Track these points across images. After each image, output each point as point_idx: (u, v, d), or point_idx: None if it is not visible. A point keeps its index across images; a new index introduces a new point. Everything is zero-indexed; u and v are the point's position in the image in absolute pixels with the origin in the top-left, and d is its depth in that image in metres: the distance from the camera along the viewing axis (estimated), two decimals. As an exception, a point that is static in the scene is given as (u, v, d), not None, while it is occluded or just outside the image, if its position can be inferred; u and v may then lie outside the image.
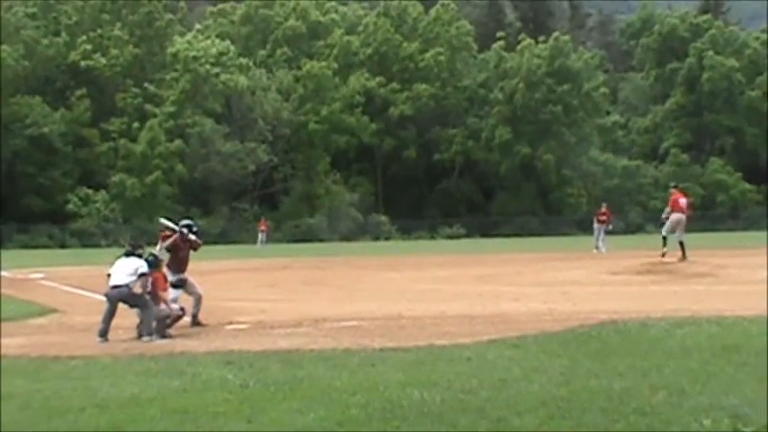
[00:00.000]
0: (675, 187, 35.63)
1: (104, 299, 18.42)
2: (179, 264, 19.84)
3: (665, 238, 33.76)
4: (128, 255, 18.62)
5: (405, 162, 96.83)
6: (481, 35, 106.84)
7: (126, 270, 18.17)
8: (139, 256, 18.75)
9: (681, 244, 32.97)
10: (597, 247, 48.40)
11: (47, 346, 16.75)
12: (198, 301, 19.93)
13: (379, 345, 15.40)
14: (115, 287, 18.07)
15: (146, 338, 17.69)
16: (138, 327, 18.19)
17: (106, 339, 17.64)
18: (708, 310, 18.99)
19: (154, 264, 18.70)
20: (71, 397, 11.47)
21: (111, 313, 18.00)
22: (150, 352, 15.57)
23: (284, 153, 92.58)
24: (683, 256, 32.77)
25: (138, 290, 18.20)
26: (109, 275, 18.37)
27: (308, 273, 38.20)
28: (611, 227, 50.66)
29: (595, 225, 50.74)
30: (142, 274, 18.28)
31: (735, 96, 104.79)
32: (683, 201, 33.78)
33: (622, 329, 16.10)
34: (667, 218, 34.01)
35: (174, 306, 18.79)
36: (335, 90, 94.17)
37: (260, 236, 72.72)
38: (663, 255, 33.29)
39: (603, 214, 50.15)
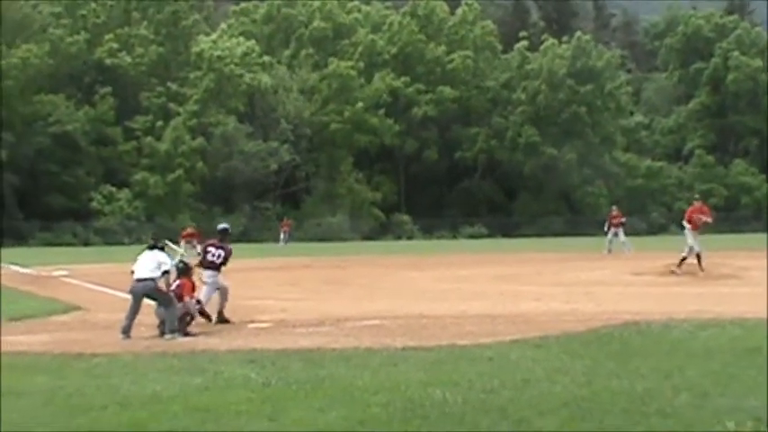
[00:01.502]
0: (698, 200, 35.01)
1: (128, 295, 18.50)
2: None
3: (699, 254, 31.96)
4: (150, 248, 18.70)
5: (427, 162, 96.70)
6: (505, 35, 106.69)
7: (149, 265, 18.22)
8: (161, 248, 18.87)
9: (697, 255, 32.13)
10: (609, 250, 48.18)
11: (70, 343, 16.82)
12: (223, 295, 20.06)
13: (400, 344, 15.40)
14: (140, 280, 18.13)
15: (168, 336, 17.74)
16: (159, 325, 18.23)
17: (129, 336, 17.72)
18: (731, 312, 18.92)
19: (183, 271, 19.01)
20: (93, 394, 11.51)
21: (135, 310, 18.07)
22: (172, 350, 15.61)
23: (307, 152, 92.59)
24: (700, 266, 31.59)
25: (162, 285, 18.28)
26: (133, 272, 18.41)
27: (329, 272, 38.23)
28: (620, 230, 50.15)
29: (606, 227, 50.57)
30: (165, 272, 18.36)
31: (759, 97, 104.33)
32: (696, 216, 32.93)
33: (645, 330, 16.06)
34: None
35: (192, 301, 18.83)
36: (360, 90, 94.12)
37: (282, 235, 72.87)
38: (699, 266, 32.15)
39: (615, 217, 49.89)
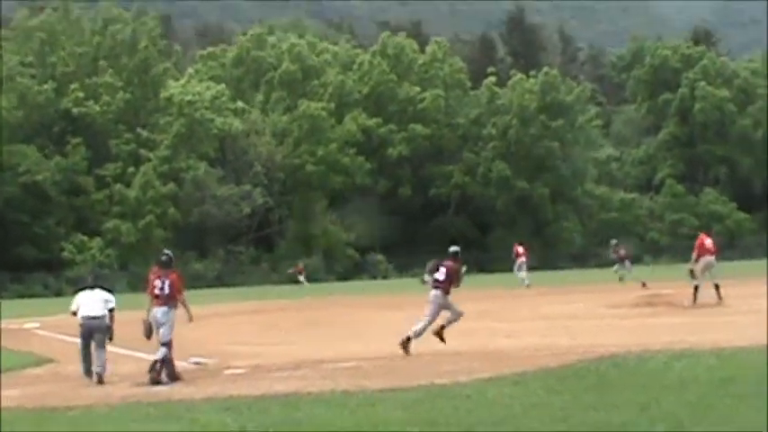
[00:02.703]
0: (703, 231, 34.86)
1: (80, 330, 18.94)
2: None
3: (697, 287, 31.54)
4: (91, 288, 19.36)
5: (400, 200, 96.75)
6: (473, 71, 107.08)
7: (97, 303, 18.87)
8: (101, 287, 19.46)
9: (716, 286, 31.52)
10: (621, 278, 49.07)
11: (44, 396, 16.72)
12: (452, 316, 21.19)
13: (378, 385, 15.37)
14: (92, 318, 18.66)
15: (96, 378, 18.37)
16: (150, 370, 18.18)
17: (90, 376, 18.36)
18: (706, 341, 19.00)
19: (168, 263, 19.33)
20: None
21: (87, 347, 18.63)
22: (148, 399, 15.53)
23: (280, 195, 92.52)
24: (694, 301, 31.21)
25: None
26: (74, 313, 19.03)
27: (305, 314, 38.17)
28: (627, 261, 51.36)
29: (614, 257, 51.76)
30: (111, 309, 19.07)
31: (727, 126, 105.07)
32: (708, 242, 32.81)
33: (621, 363, 16.10)
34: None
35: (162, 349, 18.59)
36: (331, 130, 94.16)
37: (301, 278, 72.19)
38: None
39: (616, 251, 51.08)
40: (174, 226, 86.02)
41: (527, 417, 11.62)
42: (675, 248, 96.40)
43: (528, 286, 50.63)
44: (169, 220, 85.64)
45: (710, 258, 31.85)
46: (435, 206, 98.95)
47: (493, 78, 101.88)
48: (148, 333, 19.02)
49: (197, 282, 71.77)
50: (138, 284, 77.59)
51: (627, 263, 50.12)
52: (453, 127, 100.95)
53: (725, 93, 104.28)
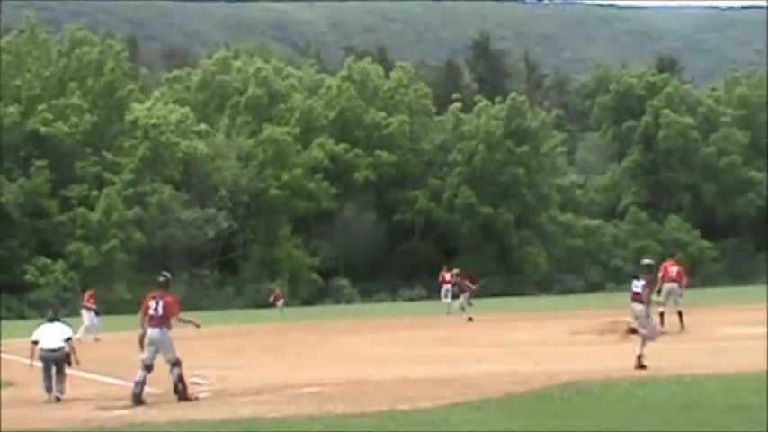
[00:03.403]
0: (671, 256, 34.71)
1: (41, 362, 19.84)
2: None
3: (662, 313, 31.48)
4: (51, 320, 20.54)
5: (365, 225, 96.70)
6: (438, 97, 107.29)
7: (57, 335, 19.97)
8: (59, 320, 20.61)
9: (679, 314, 31.64)
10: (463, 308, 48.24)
11: (5, 419, 16.57)
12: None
13: (341, 410, 15.37)
14: (53, 350, 19.72)
15: (59, 393, 19.50)
16: (174, 391, 18.78)
17: (51, 394, 19.37)
18: (667, 368, 19.10)
19: (165, 284, 19.98)
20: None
21: (49, 371, 19.65)
22: (110, 423, 15.44)
23: (244, 219, 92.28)
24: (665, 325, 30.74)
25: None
26: (35, 342, 20.12)
27: (269, 338, 38.08)
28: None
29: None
30: (68, 339, 20.18)
31: (690, 153, 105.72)
32: (674, 269, 32.77)
33: (584, 390, 16.15)
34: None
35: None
36: (297, 155, 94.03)
37: (278, 303, 70.95)
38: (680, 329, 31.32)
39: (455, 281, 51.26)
40: (138, 250, 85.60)
41: (490, 443, 11.64)
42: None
43: (463, 310, 50.15)
44: (134, 244, 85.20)
45: (673, 285, 31.84)
46: (400, 231, 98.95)
47: (458, 104, 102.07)
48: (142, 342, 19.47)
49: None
50: (100, 307, 77.55)
51: (468, 293, 49.30)
52: (418, 152, 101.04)
53: (689, 120, 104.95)
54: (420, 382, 19.56)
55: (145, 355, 19.13)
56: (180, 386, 18.74)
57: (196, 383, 20.34)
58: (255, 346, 34.18)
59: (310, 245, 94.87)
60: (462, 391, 17.34)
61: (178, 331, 20.14)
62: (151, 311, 19.29)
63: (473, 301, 50.62)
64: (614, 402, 14.65)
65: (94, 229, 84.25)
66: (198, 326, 20.29)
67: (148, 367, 18.91)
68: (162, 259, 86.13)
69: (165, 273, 20.81)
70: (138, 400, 18.46)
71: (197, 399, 18.57)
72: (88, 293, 44.71)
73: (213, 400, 18.49)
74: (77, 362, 20.37)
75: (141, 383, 18.67)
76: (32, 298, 79.76)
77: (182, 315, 19.93)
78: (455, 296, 51.22)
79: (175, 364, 18.91)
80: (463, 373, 21.03)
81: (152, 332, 19.13)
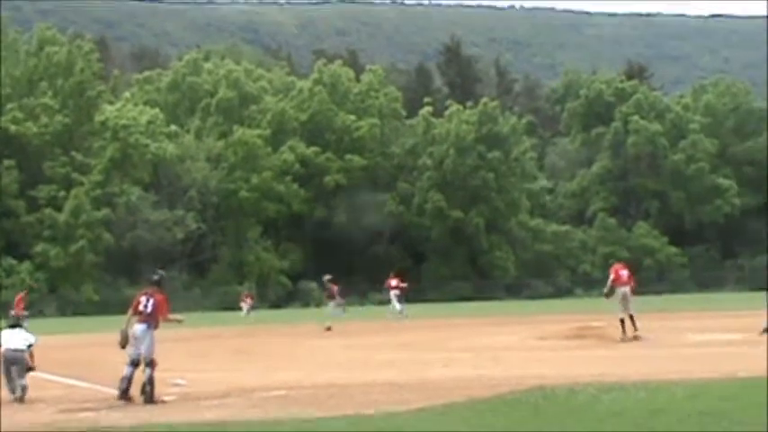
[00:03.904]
0: (618, 261, 34.44)
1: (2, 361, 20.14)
2: None
3: (622, 320, 31.17)
4: (12, 327, 21.01)
5: (334, 228, 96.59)
6: (409, 100, 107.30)
7: (19, 339, 20.31)
8: (21, 326, 21.09)
9: (631, 317, 31.09)
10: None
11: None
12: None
13: (308, 414, 15.31)
14: (15, 350, 20.04)
15: (20, 394, 19.71)
16: (141, 392, 18.66)
17: (15, 394, 19.62)
18: (635, 374, 19.12)
19: (158, 283, 20.25)
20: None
21: (9, 372, 20.00)
22: (73, 425, 15.33)
23: (213, 221, 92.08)
24: (627, 331, 30.75)
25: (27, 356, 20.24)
26: None
27: (236, 341, 37.97)
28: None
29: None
30: (30, 345, 20.40)
31: (659, 160, 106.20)
32: (624, 272, 32.65)
33: (550, 395, 16.13)
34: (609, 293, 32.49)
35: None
36: (267, 158, 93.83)
37: (244, 306, 69.63)
38: (634, 334, 30.88)
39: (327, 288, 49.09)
40: (106, 251, 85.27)
41: (456, 448, 11.60)
42: (606, 281, 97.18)
43: (405, 317, 51.17)
44: (103, 245, 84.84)
45: (626, 289, 31.66)
46: (370, 235, 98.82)
47: (429, 108, 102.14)
48: (123, 343, 19.46)
49: (127, 308, 71.13)
50: (67, 308, 77.26)
51: (338, 299, 48.70)
52: (388, 156, 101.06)
53: (657, 127, 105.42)
54: (387, 386, 19.52)
55: (130, 350, 19.24)
56: (149, 387, 18.61)
57: (178, 385, 20.27)
58: (223, 349, 34.07)
59: (279, 248, 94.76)
60: (429, 395, 17.31)
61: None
62: (140, 307, 19.51)
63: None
64: (581, 408, 14.64)
65: (62, 229, 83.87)
66: (180, 321, 20.57)
67: (135, 363, 19.01)
68: (130, 261, 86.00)
69: (159, 271, 21.25)
70: (124, 396, 18.58)
71: (163, 402, 18.46)
72: (18, 297, 44.28)
73: (179, 403, 18.40)
74: (34, 368, 20.58)
75: (128, 379, 18.78)
76: (-1, 299, 79.24)
77: (168, 317, 20.08)
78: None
79: (150, 364, 18.84)
80: (431, 377, 21.02)
81: (137, 327, 19.27)
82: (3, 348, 20.18)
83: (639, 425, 12.85)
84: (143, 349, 19.09)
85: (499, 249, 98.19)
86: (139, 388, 18.67)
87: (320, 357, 29.10)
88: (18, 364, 19.98)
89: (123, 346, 19.41)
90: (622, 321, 30.73)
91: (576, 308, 47.63)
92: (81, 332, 41.08)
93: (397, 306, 54.02)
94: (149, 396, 18.55)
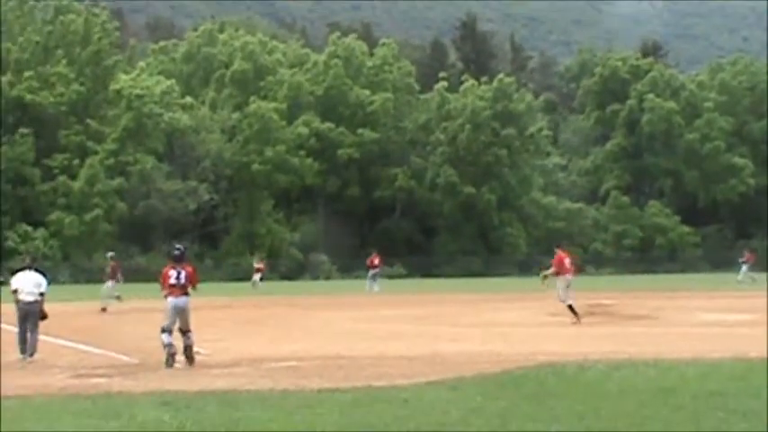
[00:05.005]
0: (559, 246, 33.63)
1: (18, 313, 20.89)
2: None
3: (570, 306, 30.16)
4: (28, 269, 21.35)
5: (346, 202, 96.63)
6: (424, 75, 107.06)
7: (32, 287, 20.78)
8: (37, 269, 21.40)
9: (569, 307, 30.10)
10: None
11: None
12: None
13: (317, 385, 15.35)
14: (28, 303, 20.61)
15: (28, 358, 20.25)
16: (184, 352, 19.49)
17: (25, 355, 20.26)
18: (645, 352, 19.12)
19: (179, 258, 20.38)
20: (4, 438, 11.31)
21: (24, 329, 20.55)
22: (86, 392, 15.40)
23: (226, 192, 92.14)
24: (576, 317, 29.65)
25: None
26: (15, 291, 20.89)
27: (247, 312, 38.07)
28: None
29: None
30: (42, 294, 20.90)
31: (674, 139, 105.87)
32: (567, 260, 32.06)
33: (560, 372, 16.15)
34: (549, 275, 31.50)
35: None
36: (281, 131, 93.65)
37: (255, 276, 66.49)
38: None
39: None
40: (118, 220, 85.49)
41: (464, 423, 11.63)
42: (618, 259, 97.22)
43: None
44: (116, 214, 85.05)
45: (570, 277, 31.06)
46: (381, 209, 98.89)
47: (444, 83, 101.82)
48: None
49: (140, 276, 71.33)
50: (80, 276, 77.41)
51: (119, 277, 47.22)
52: (401, 131, 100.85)
53: (672, 105, 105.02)
54: (397, 359, 19.57)
55: (166, 323, 19.78)
56: (189, 352, 19.60)
57: (197, 353, 20.42)
58: (233, 319, 34.17)
59: (291, 220, 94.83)
60: (438, 369, 17.36)
61: (154, 303, 20.26)
62: (172, 281, 19.93)
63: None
64: (590, 385, 14.65)
65: (77, 198, 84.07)
66: (194, 288, 20.54)
67: (170, 332, 19.71)
68: (142, 230, 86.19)
69: (178, 246, 21.39)
70: (173, 361, 19.38)
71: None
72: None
73: (189, 371, 18.50)
74: (47, 316, 21.19)
75: (172, 345, 19.51)
76: (13, 265, 79.42)
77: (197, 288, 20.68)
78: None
79: (189, 331, 19.75)
80: (440, 351, 21.05)
81: (177, 300, 19.83)
82: (18, 298, 20.84)
83: (649, 403, 12.86)
84: (183, 320, 19.86)
85: (510, 226, 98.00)
86: (183, 350, 19.59)
87: (330, 329, 29.17)
88: (32, 316, 20.56)
89: None
90: (570, 307, 29.93)
91: (587, 286, 47.55)
92: (94, 299, 41.10)
93: (375, 287, 55.35)
94: (192, 359, 19.50)
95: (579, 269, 32.75)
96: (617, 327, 28.25)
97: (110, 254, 45.20)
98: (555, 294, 30.75)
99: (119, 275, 41.52)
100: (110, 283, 40.87)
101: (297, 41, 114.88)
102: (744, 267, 61.23)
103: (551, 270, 31.12)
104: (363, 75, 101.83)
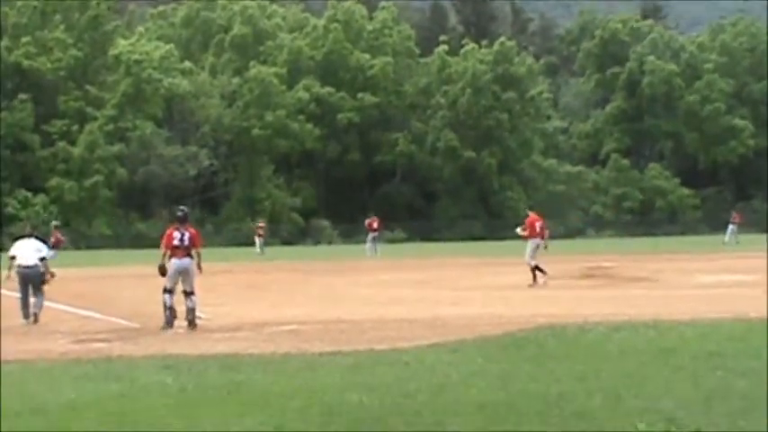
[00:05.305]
0: (532, 209, 33.64)
1: (18, 278, 21.34)
2: None
3: (533, 268, 30.38)
4: (28, 236, 21.79)
5: (347, 166, 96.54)
6: (424, 39, 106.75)
7: (32, 253, 21.06)
8: (37, 237, 21.92)
9: (533, 269, 30.26)
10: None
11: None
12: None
13: (318, 349, 15.40)
14: (28, 267, 20.92)
15: (37, 310, 20.86)
16: (186, 316, 19.63)
17: (28, 318, 20.66)
18: (645, 314, 19.16)
19: (183, 219, 20.48)
20: (7, 402, 11.33)
21: (26, 293, 20.88)
22: (87, 356, 15.45)
23: (226, 158, 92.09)
24: (534, 281, 29.93)
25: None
26: (13, 257, 21.33)
27: (248, 277, 38.16)
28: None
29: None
30: (43, 258, 21.22)
31: (674, 101, 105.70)
32: (538, 224, 32.03)
33: (560, 334, 16.20)
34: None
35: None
36: (281, 96, 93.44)
37: (258, 241, 66.06)
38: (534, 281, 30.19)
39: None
40: (118, 186, 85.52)
41: (465, 384, 11.67)
42: (618, 222, 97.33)
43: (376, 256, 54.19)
44: (116, 179, 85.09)
45: (539, 241, 31.10)
46: (381, 174, 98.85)
47: (445, 47, 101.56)
48: (163, 271, 20.16)
49: (140, 241, 71.41)
50: (80, 242, 77.48)
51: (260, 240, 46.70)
52: (401, 95, 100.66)
53: (673, 67, 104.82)
54: (398, 322, 19.62)
55: (169, 284, 19.94)
56: (191, 316, 19.69)
57: (199, 318, 20.47)
58: (234, 284, 34.25)
59: (292, 185, 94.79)
60: (439, 332, 17.42)
61: (155, 268, 20.29)
62: (176, 242, 20.09)
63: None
64: (590, 346, 14.71)
65: (76, 164, 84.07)
66: (199, 254, 20.58)
67: (172, 292, 19.90)
68: (142, 196, 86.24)
69: (182, 208, 21.47)
70: (171, 324, 19.67)
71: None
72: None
73: (191, 335, 18.57)
74: (52, 275, 22.28)
75: (173, 308, 19.75)
76: (13, 231, 79.48)
77: (200, 250, 20.79)
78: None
79: (192, 293, 19.82)
80: (441, 314, 21.09)
81: (181, 262, 20.01)
82: (17, 263, 21.22)
83: (649, 363, 12.92)
84: (187, 282, 19.98)
85: (511, 190, 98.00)
86: (185, 314, 19.76)
87: (331, 293, 29.25)
88: (33, 279, 20.83)
89: (163, 275, 20.11)
90: (533, 270, 30.02)
91: (588, 248, 47.66)
92: (94, 266, 41.25)
93: (377, 251, 55.76)
94: (194, 323, 19.61)
95: (549, 234, 32.71)
96: (617, 289, 28.30)
97: (54, 222, 46.38)
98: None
99: (60, 246, 41.24)
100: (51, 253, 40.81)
101: (296, 5, 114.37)
102: (730, 227, 62.24)
103: (525, 232, 31.27)
104: (363, 39, 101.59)
